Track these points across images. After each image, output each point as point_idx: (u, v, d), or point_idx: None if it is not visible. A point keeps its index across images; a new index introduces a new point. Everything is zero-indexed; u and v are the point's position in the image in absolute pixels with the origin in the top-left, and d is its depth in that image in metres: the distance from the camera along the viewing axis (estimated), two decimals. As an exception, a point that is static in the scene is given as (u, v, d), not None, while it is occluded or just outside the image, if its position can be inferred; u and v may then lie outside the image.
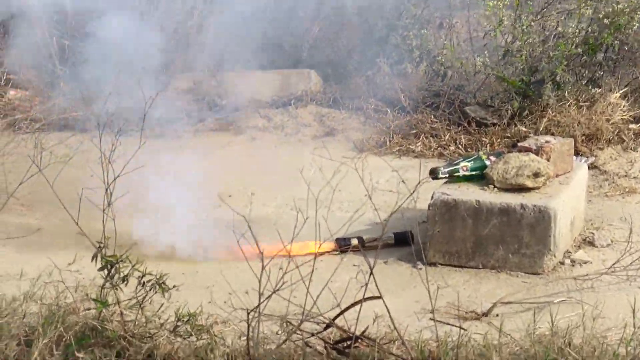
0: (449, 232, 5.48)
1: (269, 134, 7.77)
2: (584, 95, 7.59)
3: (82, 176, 4.94)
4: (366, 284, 4.01)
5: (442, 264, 5.49)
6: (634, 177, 6.99)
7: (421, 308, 4.88)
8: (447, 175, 5.70)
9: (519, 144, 5.91)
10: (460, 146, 7.38)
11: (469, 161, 5.76)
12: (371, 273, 3.98)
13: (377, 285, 4.05)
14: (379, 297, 4.07)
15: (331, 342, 4.18)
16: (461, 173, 5.70)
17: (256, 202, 6.15)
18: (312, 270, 3.97)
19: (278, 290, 3.93)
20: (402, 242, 5.71)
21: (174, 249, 5.61)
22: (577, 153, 6.79)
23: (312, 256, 5.31)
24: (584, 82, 7.67)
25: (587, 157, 7.08)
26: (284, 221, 6.09)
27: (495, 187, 5.58)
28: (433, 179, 5.65)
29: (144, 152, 4.68)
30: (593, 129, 7.33)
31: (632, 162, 7.20)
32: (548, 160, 5.70)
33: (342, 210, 6.17)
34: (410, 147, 7.45)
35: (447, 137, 7.49)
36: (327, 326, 4.17)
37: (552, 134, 7.11)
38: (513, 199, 5.45)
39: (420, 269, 5.45)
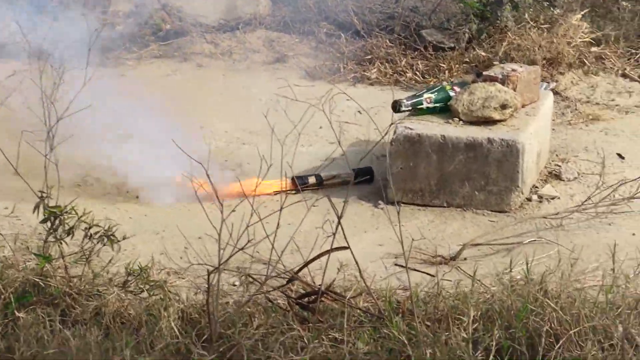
0: (412, 169, 5.22)
1: (216, 61, 7.39)
2: (543, 17, 7.32)
3: (24, 116, 4.55)
4: (334, 234, 3.71)
5: (404, 203, 5.23)
6: (596, 103, 6.80)
7: (386, 253, 4.63)
8: (409, 107, 5.41)
9: (484, 73, 5.64)
10: (417, 72, 7.07)
11: (432, 92, 5.48)
12: (339, 223, 3.67)
13: (345, 235, 3.74)
14: (347, 248, 3.78)
15: (294, 296, 3.88)
16: (425, 105, 5.43)
17: (206, 136, 5.82)
18: (278, 227, 3.64)
19: (243, 249, 3.59)
20: (362, 179, 5.41)
21: (120, 190, 5.28)
22: (539, 79, 6.54)
23: (267, 196, 5.09)
24: (544, 3, 7.39)
25: (548, 82, 6.84)
26: (236, 156, 5.81)
27: (460, 119, 5.33)
28: (395, 112, 5.34)
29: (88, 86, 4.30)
30: (554, 52, 7.09)
31: (593, 87, 6.99)
32: (514, 90, 5.46)
33: (298, 144, 5.85)
34: (366, 73, 7.10)
35: (403, 62, 7.16)
36: (290, 280, 3.86)
37: (512, 59, 6.89)
38: (479, 133, 5.19)
39: (382, 208, 5.18)
